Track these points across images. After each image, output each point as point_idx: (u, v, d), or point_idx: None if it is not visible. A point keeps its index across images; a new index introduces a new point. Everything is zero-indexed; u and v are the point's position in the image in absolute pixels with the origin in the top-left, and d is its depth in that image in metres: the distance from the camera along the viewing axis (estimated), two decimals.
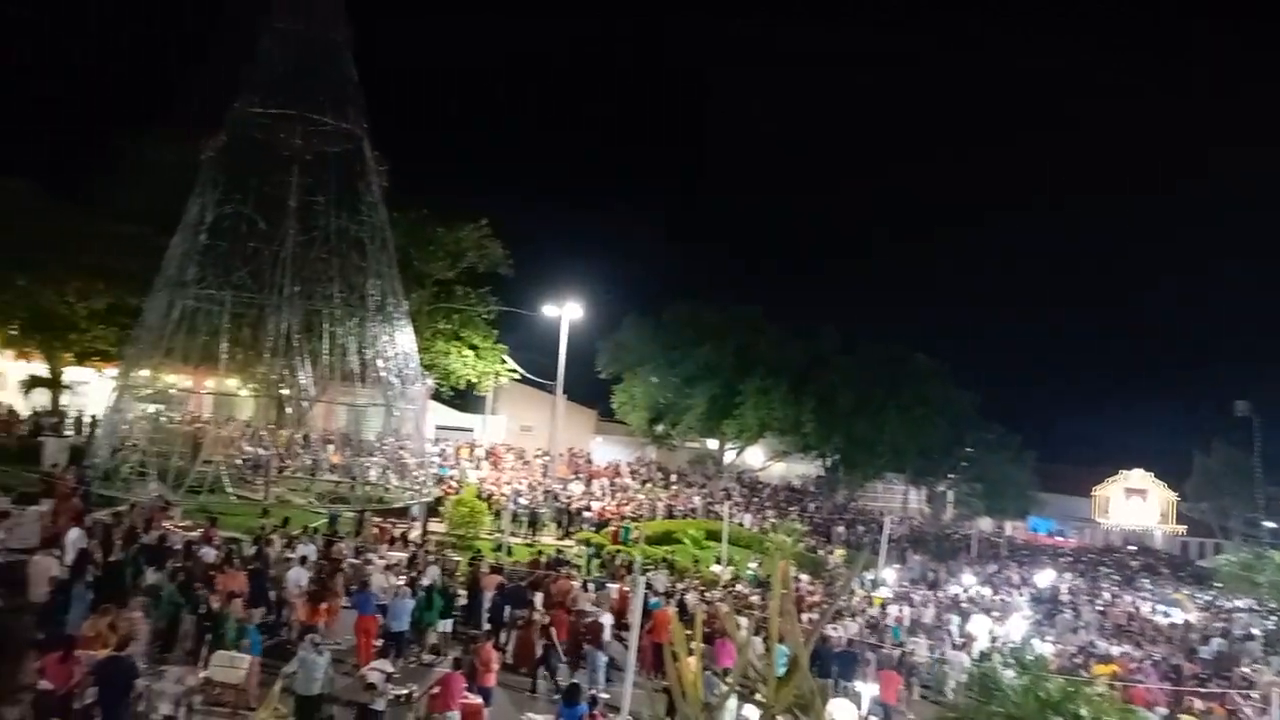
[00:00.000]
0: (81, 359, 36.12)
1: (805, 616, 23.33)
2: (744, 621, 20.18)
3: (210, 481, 27.34)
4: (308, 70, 27.06)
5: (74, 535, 17.03)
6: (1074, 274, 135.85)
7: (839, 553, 41.21)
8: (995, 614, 31.98)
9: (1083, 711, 6.30)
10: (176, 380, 30.88)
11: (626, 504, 39.15)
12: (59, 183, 34.77)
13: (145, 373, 28.36)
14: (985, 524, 61.62)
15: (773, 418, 48.62)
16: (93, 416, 32.48)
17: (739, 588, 29.29)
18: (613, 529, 34.21)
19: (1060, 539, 68.56)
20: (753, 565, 33.95)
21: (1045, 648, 26.57)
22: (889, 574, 37.33)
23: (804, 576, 32.41)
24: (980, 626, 28.90)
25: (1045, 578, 44.36)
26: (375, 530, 26.61)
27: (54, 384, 35.83)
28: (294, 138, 28.74)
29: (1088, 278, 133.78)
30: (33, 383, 35.76)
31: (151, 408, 29.97)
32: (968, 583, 39.97)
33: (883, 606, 29.77)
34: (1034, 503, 63.83)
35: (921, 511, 63.75)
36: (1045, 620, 33.95)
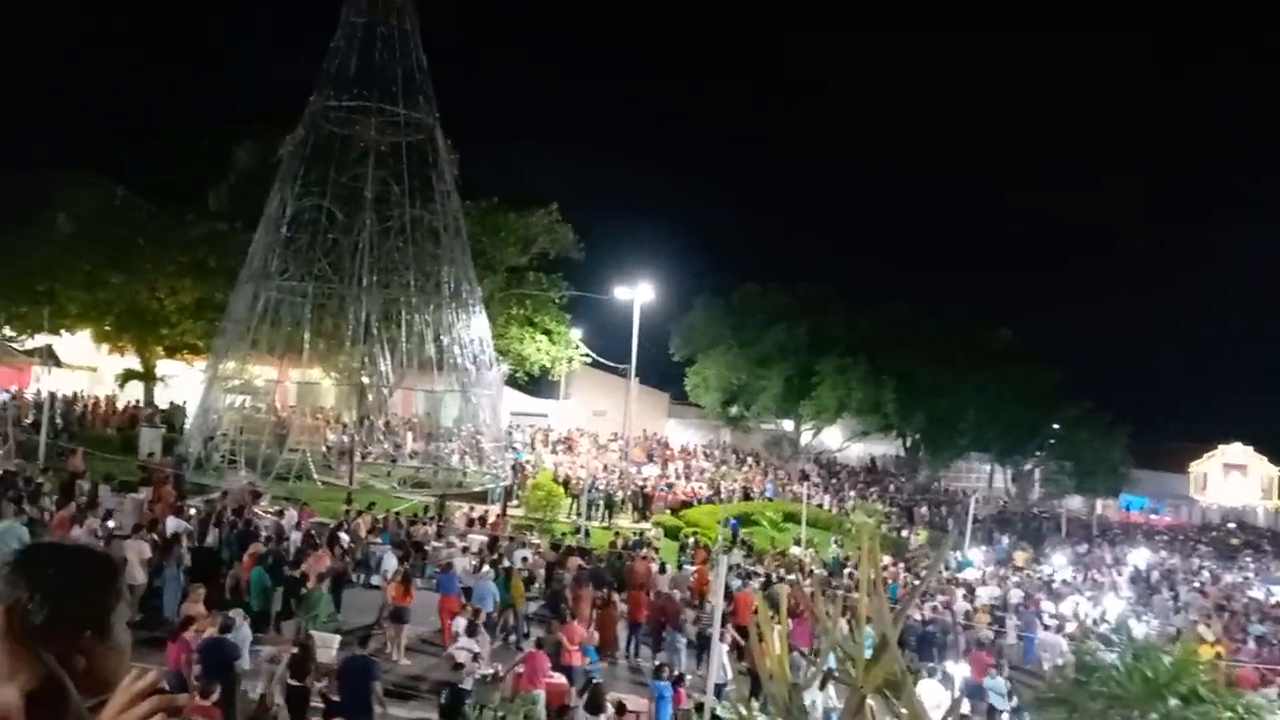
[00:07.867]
0: (172, 353, 37.31)
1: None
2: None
3: (296, 468, 27.97)
4: (380, 62, 27.37)
5: (172, 523, 17.60)
6: (1166, 241, 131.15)
7: (922, 534, 40.47)
8: (1089, 595, 31.08)
9: (1199, 690, 5.91)
10: (262, 371, 31.63)
11: (703, 486, 39.06)
12: (147, 184, 35.90)
13: (232, 364, 29.16)
14: (1075, 503, 59.87)
15: (851, 397, 47.71)
16: (184, 407, 33.55)
17: (818, 570, 28.93)
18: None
19: (1155, 517, 66.22)
20: (833, 547, 33.53)
21: (1141, 629, 25.67)
22: (975, 555, 36.58)
23: (886, 558, 31.87)
24: (1072, 608, 28.10)
25: (1140, 557, 42.90)
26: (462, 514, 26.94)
27: (148, 377, 37.07)
28: (368, 129, 29.14)
29: (1180, 245, 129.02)
30: (128, 376, 37.07)
31: (239, 398, 30.78)
32: (1058, 563, 38.92)
33: (970, 589, 29.13)
34: (1127, 480, 61.67)
35: (1008, 491, 62.30)
36: (1141, 601, 32.86)
